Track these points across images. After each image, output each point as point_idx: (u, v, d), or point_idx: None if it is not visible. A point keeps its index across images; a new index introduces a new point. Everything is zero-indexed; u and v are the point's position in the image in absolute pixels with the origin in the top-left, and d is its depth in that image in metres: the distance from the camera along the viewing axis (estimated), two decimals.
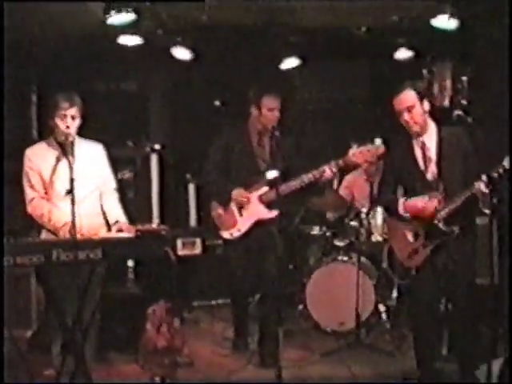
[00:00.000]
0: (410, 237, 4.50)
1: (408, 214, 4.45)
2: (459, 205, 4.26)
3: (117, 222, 4.50)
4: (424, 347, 4.62)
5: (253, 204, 5.21)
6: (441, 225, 4.35)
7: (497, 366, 4.53)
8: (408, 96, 4.35)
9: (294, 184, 5.06)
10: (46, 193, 4.45)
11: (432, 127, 4.43)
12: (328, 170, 5.00)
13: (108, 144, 5.01)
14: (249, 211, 5.23)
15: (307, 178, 5.02)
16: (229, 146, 5.33)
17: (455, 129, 4.46)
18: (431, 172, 4.42)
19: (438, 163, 4.39)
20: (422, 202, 4.37)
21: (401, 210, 4.48)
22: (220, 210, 5.37)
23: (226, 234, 5.33)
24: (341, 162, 5.02)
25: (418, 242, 4.46)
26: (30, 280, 4.83)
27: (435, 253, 4.42)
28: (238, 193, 5.21)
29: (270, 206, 5.17)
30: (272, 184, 5.08)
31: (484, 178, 4.06)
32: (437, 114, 4.51)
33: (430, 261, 4.44)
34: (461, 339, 4.64)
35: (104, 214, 4.60)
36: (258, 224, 5.24)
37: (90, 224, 4.28)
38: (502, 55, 5.95)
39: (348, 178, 6.72)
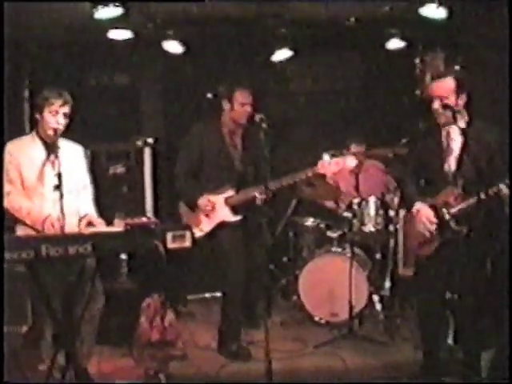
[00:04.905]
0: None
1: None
2: (473, 205, 4.17)
3: (86, 215, 4.46)
4: (430, 337, 4.63)
5: (218, 207, 5.23)
6: (452, 222, 4.32)
7: (487, 356, 4.55)
8: (448, 83, 4.28)
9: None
10: (23, 188, 4.37)
11: (463, 120, 4.25)
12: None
13: (100, 138, 5.03)
14: (214, 214, 5.24)
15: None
16: (202, 147, 5.29)
17: (480, 124, 4.32)
18: (448, 164, 4.37)
19: (460, 157, 4.29)
20: (429, 221, 4.37)
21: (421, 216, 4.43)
22: (187, 210, 5.42)
23: None
24: (309, 173, 5.02)
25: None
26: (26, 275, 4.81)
27: (445, 246, 4.39)
28: (203, 201, 5.22)
29: (235, 208, 5.22)
30: (239, 187, 5.20)
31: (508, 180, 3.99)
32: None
33: (438, 253, 4.42)
34: (466, 330, 4.61)
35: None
36: (221, 226, 5.26)
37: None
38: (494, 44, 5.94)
39: None
